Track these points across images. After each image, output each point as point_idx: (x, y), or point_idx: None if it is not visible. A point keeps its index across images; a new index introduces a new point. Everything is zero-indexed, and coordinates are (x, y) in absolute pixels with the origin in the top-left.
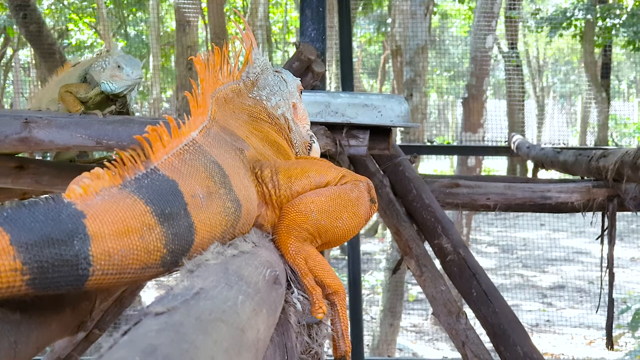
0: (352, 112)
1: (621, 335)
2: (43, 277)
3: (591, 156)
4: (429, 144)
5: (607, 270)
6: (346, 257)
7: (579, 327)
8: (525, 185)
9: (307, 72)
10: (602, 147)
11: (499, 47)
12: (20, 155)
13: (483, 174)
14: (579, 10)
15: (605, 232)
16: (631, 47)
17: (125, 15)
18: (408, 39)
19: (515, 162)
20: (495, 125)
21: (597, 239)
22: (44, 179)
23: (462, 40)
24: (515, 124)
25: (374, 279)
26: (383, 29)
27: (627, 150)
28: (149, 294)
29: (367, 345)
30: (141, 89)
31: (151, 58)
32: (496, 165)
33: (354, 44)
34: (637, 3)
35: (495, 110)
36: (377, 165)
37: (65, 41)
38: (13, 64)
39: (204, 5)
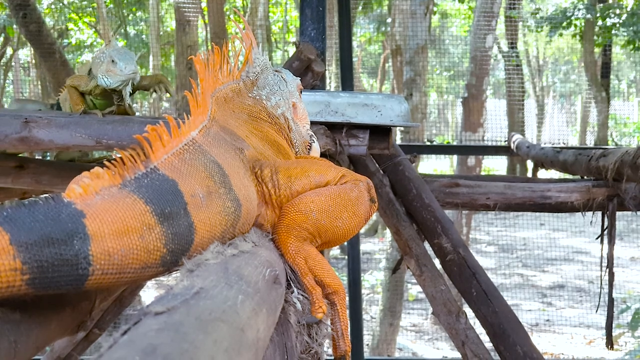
0: (352, 112)
1: (621, 334)
2: (43, 277)
3: (591, 156)
4: (428, 143)
5: (607, 270)
6: (346, 257)
7: (579, 327)
8: (525, 185)
9: (307, 71)
10: (602, 146)
11: (498, 47)
12: (20, 155)
13: (483, 173)
14: (579, 9)
15: (605, 232)
16: (631, 46)
17: (125, 14)
18: (408, 38)
19: (515, 162)
20: (495, 125)
21: (597, 238)
22: (44, 179)
23: (462, 40)
24: (515, 123)
25: (373, 279)
26: (383, 29)
27: (627, 149)
28: (148, 293)
29: (367, 344)
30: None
31: (151, 57)
32: (496, 165)
33: (354, 44)
34: (637, 2)
35: (495, 110)
36: (377, 165)
37: (65, 41)
38: (13, 63)
39: (203, 4)
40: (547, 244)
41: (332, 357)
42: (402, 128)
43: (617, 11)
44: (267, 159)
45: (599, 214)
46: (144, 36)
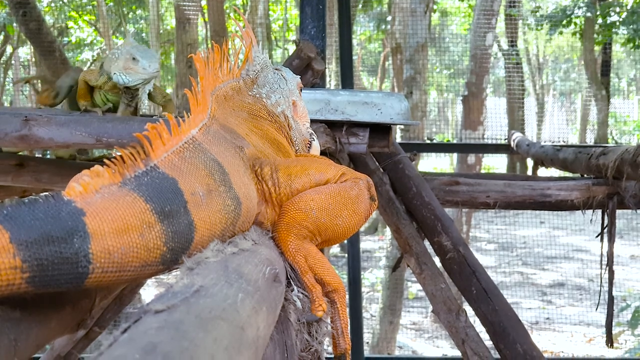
0: (352, 110)
1: (621, 332)
2: (43, 275)
3: (591, 154)
4: (428, 141)
5: (607, 268)
6: (346, 255)
7: (579, 325)
8: (525, 183)
9: (307, 69)
10: (602, 144)
11: (498, 45)
12: (20, 153)
13: (483, 171)
14: (579, 7)
15: (605, 230)
16: (631, 44)
17: (125, 12)
18: (408, 36)
19: (515, 160)
20: (495, 123)
21: (597, 236)
22: (44, 177)
23: (462, 38)
24: (515, 121)
25: (373, 277)
26: (383, 27)
27: (627, 148)
28: (148, 291)
29: (367, 343)
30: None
31: None
32: (496, 163)
33: (354, 42)
34: (637, 1)
35: (495, 108)
36: (377, 163)
37: (65, 39)
38: (13, 61)
39: (203, 2)
40: (547, 242)
41: (332, 356)
42: (402, 126)
43: (617, 9)
44: (267, 157)
45: (599, 212)
46: (144, 34)
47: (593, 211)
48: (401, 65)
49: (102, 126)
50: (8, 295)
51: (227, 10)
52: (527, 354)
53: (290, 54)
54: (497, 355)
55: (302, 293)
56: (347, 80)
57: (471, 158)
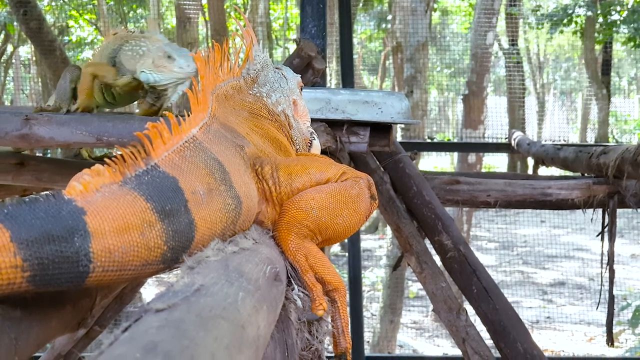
0: (352, 109)
1: (621, 332)
2: (43, 274)
3: (592, 153)
4: (429, 140)
5: (608, 267)
6: (346, 254)
7: (580, 324)
8: (525, 182)
9: (307, 68)
10: (602, 143)
11: (499, 44)
12: (22, 152)
13: (483, 170)
14: (580, 6)
15: (606, 229)
16: (632, 43)
17: (126, 11)
18: (408, 35)
19: (516, 159)
20: (495, 122)
21: (597, 235)
22: (45, 176)
23: (462, 37)
24: (516, 120)
25: (374, 276)
26: (383, 26)
27: (627, 147)
28: (149, 290)
29: (368, 342)
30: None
31: None
32: (496, 162)
33: (355, 41)
34: (638, 0)
35: (496, 107)
36: (378, 162)
37: (66, 38)
38: (13, 60)
39: (204, 1)
40: (548, 241)
41: (333, 354)
42: (402, 125)
43: (618, 8)
44: (268, 156)
45: (600, 211)
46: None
47: (594, 210)
48: (402, 64)
49: (102, 125)
50: (9, 294)
51: (228, 9)
52: (528, 353)
53: (290, 53)
54: (498, 354)
55: (302, 292)
56: (347, 79)
57: (472, 157)
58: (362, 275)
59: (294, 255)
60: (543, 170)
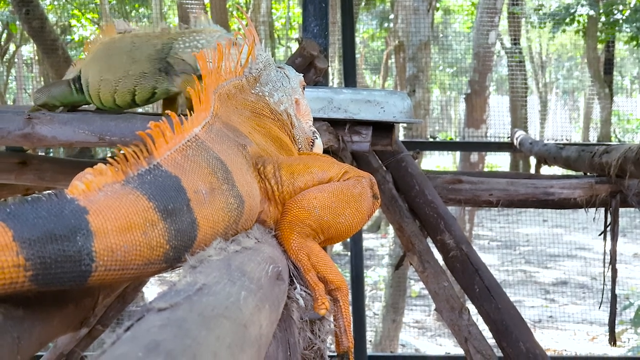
0: (354, 108)
1: (624, 331)
2: (46, 273)
3: (594, 152)
4: (431, 139)
5: (610, 266)
6: (349, 253)
7: (582, 323)
8: (528, 181)
9: (309, 68)
10: (604, 143)
11: (501, 43)
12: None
13: (486, 170)
14: (582, 5)
15: (608, 228)
16: (634, 42)
17: (128, 11)
18: (411, 34)
19: (518, 158)
20: (498, 121)
21: (599, 235)
22: (47, 175)
23: (464, 36)
24: (518, 119)
25: (376, 275)
26: (386, 25)
27: (629, 146)
28: (151, 290)
29: (370, 341)
30: None
31: None
32: (499, 161)
33: (357, 40)
34: None
35: (498, 106)
36: (380, 161)
37: (68, 37)
38: (16, 59)
39: (206, 1)
40: (550, 241)
41: (335, 354)
42: (405, 124)
43: (620, 7)
44: (270, 156)
45: (602, 210)
46: None
47: (596, 209)
48: (404, 63)
49: (105, 124)
50: (11, 294)
51: (230, 9)
52: (530, 352)
53: (293, 52)
54: (500, 354)
55: (304, 291)
56: (349, 78)
57: (474, 156)
58: (365, 275)
59: (296, 255)
60: (545, 170)
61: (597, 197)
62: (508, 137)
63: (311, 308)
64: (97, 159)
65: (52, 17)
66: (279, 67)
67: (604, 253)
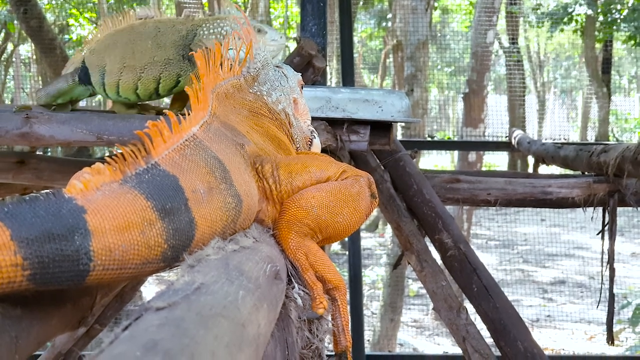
0: (352, 108)
1: (622, 330)
2: (44, 273)
3: (592, 151)
4: (429, 139)
5: (608, 266)
6: (347, 252)
7: (580, 323)
8: (526, 181)
9: (308, 67)
10: (602, 142)
11: (499, 43)
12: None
13: (484, 169)
14: (580, 5)
15: (606, 228)
16: (632, 42)
17: (126, 10)
18: (409, 34)
19: (516, 158)
20: (496, 121)
21: (597, 234)
22: (45, 174)
23: (463, 36)
24: (516, 119)
25: (374, 274)
26: (384, 24)
27: (627, 145)
28: (149, 289)
29: (368, 340)
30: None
31: None
32: (497, 161)
33: (355, 39)
34: None
35: (496, 106)
36: (378, 161)
37: (66, 36)
38: (14, 59)
39: (204, 0)
40: (548, 240)
41: (333, 353)
42: (403, 124)
43: (618, 7)
44: (268, 155)
45: (600, 209)
46: None
47: (594, 209)
48: (402, 62)
49: (103, 124)
50: (9, 293)
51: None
52: (528, 351)
53: (291, 51)
54: (498, 353)
55: (303, 290)
56: (348, 77)
57: (472, 155)
58: (363, 274)
59: (294, 254)
60: (543, 169)
61: (595, 196)
62: (506, 137)
63: (309, 307)
64: (95, 158)
65: (50, 17)
66: (277, 67)
67: (602, 252)
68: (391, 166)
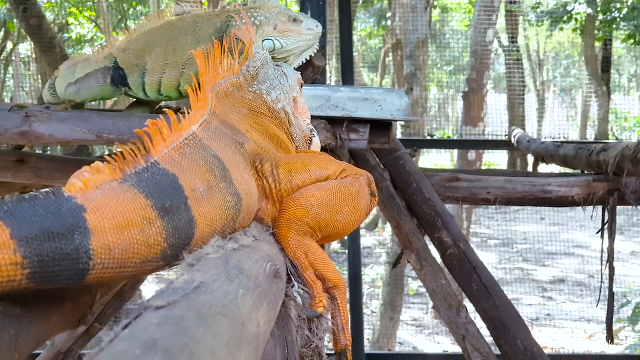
0: (352, 106)
1: (621, 329)
2: (43, 271)
3: (591, 150)
4: (429, 137)
5: (607, 264)
6: (346, 251)
7: (579, 321)
8: (525, 179)
9: (307, 66)
10: (602, 140)
11: (499, 41)
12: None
13: (483, 167)
14: (580, 3)
15: (606, 226)
16: (631, 40)
17: (125, 8)
18: (408, 32)
19: (516, 156)
20: (495, 119)
21: (597, 232)
22: (44, 173)
23: (462, 34)
24: (516, 117)
25: (374, 273)
26: (383, 23)
27: (627, 144)
28: (149, 287)
29: (368, 339)
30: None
31: None
32: (496, 159)
33: (354, 38)
34: None
35: (496, 104)
36: (377, 159)
37: (65, 35)
38: (13, 57)
39: None
40: (548, 238)
41: (333, 351)
42: (402, 122)
43: (618, 5)
44: (268, 153)
45: (600, 208)
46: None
47: (593, 207)
48: (401, 61)
49: (102, 122)
50: (9, 291)
51: (227, 7)
52: (528, 350)
53: None
54: (498, 351)
55: (302, 289)
56: (347, 76)
57: (471, 154)
58: (362, 273)
59: (294, 252)
60: (543, 167)
61: (595, 194)
62: (505, 135)
63: (309, 306)
64: (95, 157)
65: (49, 15)
66: (276, 65)
67: (602, 251)
68: (391, 165)
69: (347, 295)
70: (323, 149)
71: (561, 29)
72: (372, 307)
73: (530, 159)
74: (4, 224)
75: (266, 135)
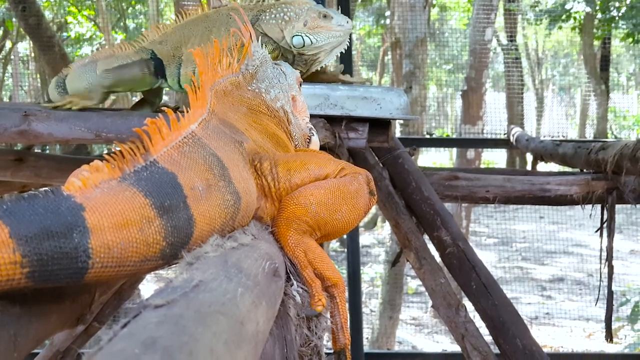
0: (351, 105)
1: (620, 327)
2: (42, 270)
3: (590, 149)
4: (428, 136)
5: (607, 263)
6: (345, 250)
7: (578, 320)
8: (524, 178)
9: None
10: (601, 139)
11: (498, 40)
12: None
13: (482, 166)
14: (578, 2)
15: (605, 225)
16: (630, 39)
17: (125, 8)
18: (407, 31)
19: (515, 155)
20: (494, 118)
21: (596, 231)
22: (43, 172)
23: (461, 33)
24: (515, 116)
25: (373, 272)
26: (382, 22)
27: (626, 142)
28: (148, 286)
29: (367, 338)
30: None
31: None
32: (495, 158)
33: (353, 37)
34: None
35: (495, 103)
36: (377, 158)
37: (64, 34)
38: (12, 56)
39: None
40: (547, 237)
41: (332, 351)
42: (401, 121)
43: (617, 4)
44: (267, 152)
45: (599, 206)
46: (143, 29)
47: (592, 206)
48: (400, 60)
49: (101, 121)
50: (8, 291)
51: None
52: (527, 348)
53: None
54: (497, 350)
55: (301, 288)
56: (346, 75)
57: (470, 153)
58: (361, 271)
59: (293, 251)
60: (542, 166)
61: (594, 193)
62: (504, 134)
63: (308, 305)
64: (94, 155)
65: (48, 14)
66: (275, 64)
67: (601, 250)
68: (390, 163)
69: (346, 294)
70: (322, 147)
71: (560, 27)
72: (371, 306)
73: (529, 157)
74: (3, 223)
75: (265, 134)
